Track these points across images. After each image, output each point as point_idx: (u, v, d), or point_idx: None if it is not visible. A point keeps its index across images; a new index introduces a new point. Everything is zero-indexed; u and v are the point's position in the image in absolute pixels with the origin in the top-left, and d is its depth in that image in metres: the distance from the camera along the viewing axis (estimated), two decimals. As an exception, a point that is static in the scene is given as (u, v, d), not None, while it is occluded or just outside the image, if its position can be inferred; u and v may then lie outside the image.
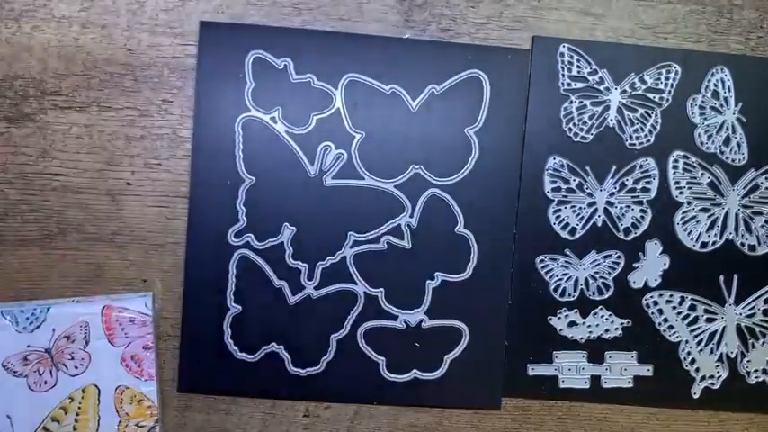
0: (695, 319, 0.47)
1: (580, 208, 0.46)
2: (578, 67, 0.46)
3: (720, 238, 0.47)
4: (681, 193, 0.47)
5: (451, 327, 0.46)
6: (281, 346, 0.45)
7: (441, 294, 0.46)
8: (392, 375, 0.46)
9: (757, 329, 0.48)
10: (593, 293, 0.47)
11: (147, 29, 0.44)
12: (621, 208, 0.46)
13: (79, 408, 0.44)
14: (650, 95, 0.46)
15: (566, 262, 0.46)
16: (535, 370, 0.47)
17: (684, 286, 0.47)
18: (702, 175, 0.47)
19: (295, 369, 0.46)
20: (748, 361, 0.48)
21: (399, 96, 0.45)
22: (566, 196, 0.46)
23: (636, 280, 0.47)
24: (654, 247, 0.47)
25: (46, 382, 0.43)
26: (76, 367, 0.43)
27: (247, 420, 0.46)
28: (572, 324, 0.47)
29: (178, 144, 0.44)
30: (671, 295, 0.47)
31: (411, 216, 0.46)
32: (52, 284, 0.44)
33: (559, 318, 0.47)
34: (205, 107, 0.44)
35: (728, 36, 0.47)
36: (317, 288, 0.45)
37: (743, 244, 0.47)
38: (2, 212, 0.44)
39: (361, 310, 0.46)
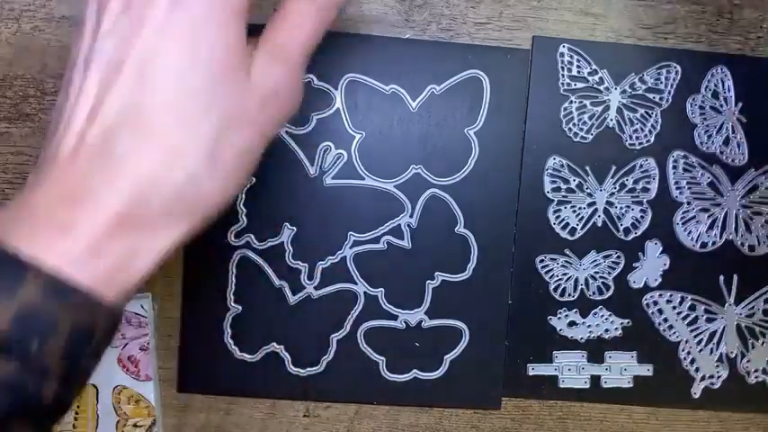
0: (695, 319, 0.47)
1: (580, 208, 0.46)
2: (578, 67, 0.46)
3: (720, 238, 0.47)
4: (681, 193, 0.47)
5: (451, 327, 0.46)
6: (281, 346, 0.45)
7: (441, 294, 0.46)
8: (392, 375, 0.46)
9: (757, 329, 0.48)
10: (594, 293, 0.47)
11: (147, 29, 0.44)
12: (621, 208, 0.46)
13: (78, 407, 0.44)
14: (650, 95, 0.46)
15: (566, 262, 0.46)
16: (535, 370, 0.47)
17: (684, 286, 0.47)
18: (702, 175, 0.47)
19: (295, 369, 0.46)
20: (748, 361, 0.48)
21: (399, 96, 0.45)
22: (566, 196, 0.46)
23: (636, 280, 0.47)
24: (654, 247, 0.47)
25: (46, 382, 0.43)
26: (76, 367, 0.43)
27: (247, 420, 0.46)
28: (572, 324, 0.47)
29: (178, 144, 0.44)
30: (671, 295, 0.47)
31: (411, 216, 0.46)
32: (52, 284, 0.44)
33: (559, 318, 0.47)
34: (205, 107, 0.44)
35: (728, 36, 0.47)
36: (317, 288, 0.45)
37: (743, 244, 0.47)
38: (2, 212, 0.44)
39: (361, 310, 0.46)
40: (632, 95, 0.46)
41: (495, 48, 0.45)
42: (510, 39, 0.46)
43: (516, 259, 0.46)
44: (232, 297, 0.45)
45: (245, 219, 0.45)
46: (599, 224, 0.46)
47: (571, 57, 0.46)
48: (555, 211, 0.46)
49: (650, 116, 0.46)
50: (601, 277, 0.47)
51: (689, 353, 0.47)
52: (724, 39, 0.47)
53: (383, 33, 0.45)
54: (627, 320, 0.47)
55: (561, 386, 0.47)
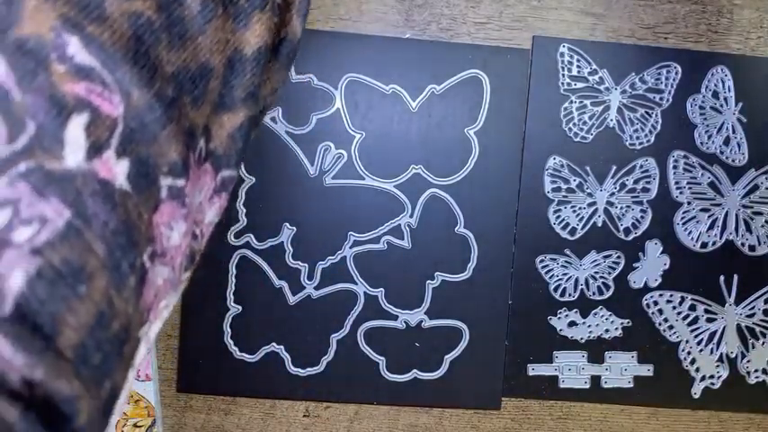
0: (695, 319, 0.47)
1: (580, 208, 0.46)
2: (578, 66, 0.46)
3: (720, 238, 0.47)
4: (681, 193, 0.47)
5: (451, 327, 0.46)
6: (281, 346, 0.45)
7: (441, 294, 0.46)
8: (392, 375, 0.46)
9: (757, 329, 0.48)
10: (594, 293, 0.47)
11: (147, 29, 0.44)
12: (621, 208, 0.46)
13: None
14: (650, 95, 0.46)
15: (566, 262, 0.46)
16: (535, 370, 0.47)
17: (684, 286, 0.47)
18: (702, 175, 0.47)
19: (295, 369, 0.46)
20: (748, 361, 0.48)
21: (399, 96, 0.45)
22: (566, 196, 0.46)
23: (636, 280, 0.47)
24: (654, 247, 0.47)
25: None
26: (76, 367, 0.43)
27: (247, 420, 0.46)
28: (572, 324, 0.47)
29: (178, 144, 0.44)
30: (671, 295, 0.47)
31: (411, 216, 0.45)
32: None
33: (559, 318, 0.47)
34: (205, 107, 0.44)
35: (728, 36, 0.47)
36: (317, 288, 0.45)
37: (743, 244, 0.47)
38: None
39: (361, 310, 0.46)
40: (632, 95, 0.46)
41: (495, 48, 0.45)
42: (510, 39, 0.46)
43: (516, 259, 0.46)
44: (232, 297, 0.45)
45: (244, 219, 0.45)
46: (599, 224, 0.46)
47: (571, 57, 0.45)
48: (555, 211, 0.46)
49: (650, 116, 0.46)
50: (601, 277, 0.47)
51: (689, 353, 0.47)
52: (724, 39, 0.47)
53: (383, 33, 0.45)
54: (627, 320, 0.47)
55: (561, 386, 0.47)
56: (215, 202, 0.20)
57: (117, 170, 0.15)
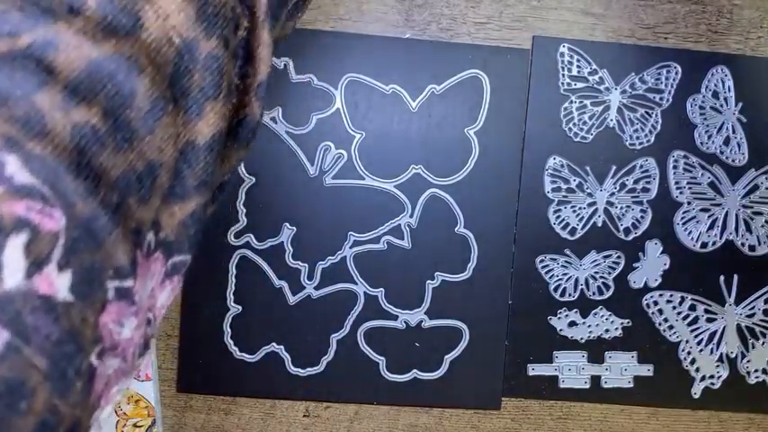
0: (695, 319, 0.47)
1: (580, 208, 0.46)
2: (578, 67, 0.46)
3: (720, 238, 0.47)
4: (681, 193, 0.47)
5: (451, 327, 0.46)
6: (281, 346, 0.45)
7: (441, 294, 0.46)
8: (392, 375, 0.46)
9: (757, 329, 0.48)
10: (594, 293, 0.47)
11: (147, 29, 0.44)
12: (621, 208, 0.46)
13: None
14: (650, 95, 0.46)
15: (566, 262, 0.46)
16: (535, 370, 0.47)
17: (684, 286, 0.47)
18: (702, 175, 0.47)
19: (295, 369, 0.46)
20: (748, 361, 0.48)
21: (399, 96, 0.45)
22: (566, 196, 0.46)
23: (636, 280, 0.47)
24: (654, 247, 0.47)
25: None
26: (76, 367, 0.43)
27: (247, 420, 0.46)
28: (572, 324, 0.47)
29: (178, 144, 0.44)
30: (671, 295, 0.47)
31: (411, 216, 0.46)
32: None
33: (559, 318, 0.47)
34: (205, 107, 0.44)
35: (728, 36, 0.47)
36: (317, 288, 0.45)
37: (743, 244, 0.47)
38: (1, 212, 0.44)
39: (361, 310, 0.46)
40: (632, 95, 0.46)
41: (495, 48, 0.45)
42: (510, 39, 0.46)
43: (516, 259, 0.46)
44: (232, 297, 0.45)
45: (244, 219, 0.45)
46: (599, 224, 0.46)
47: (571, 57, 0.45)
48: (555, 211, 0.46)
49: (650, 116, 0.46)
50: (601, 277, 0.47)
51: (689, 353, 0.47)
52: (724, 39, 0.47)
53: (383, 33, 0.45)
54: (627, 320, 0.47)
55: (561, 386, 0.47)
56: (166, 286, 0.20)
57: (58, 283, 0.15)
